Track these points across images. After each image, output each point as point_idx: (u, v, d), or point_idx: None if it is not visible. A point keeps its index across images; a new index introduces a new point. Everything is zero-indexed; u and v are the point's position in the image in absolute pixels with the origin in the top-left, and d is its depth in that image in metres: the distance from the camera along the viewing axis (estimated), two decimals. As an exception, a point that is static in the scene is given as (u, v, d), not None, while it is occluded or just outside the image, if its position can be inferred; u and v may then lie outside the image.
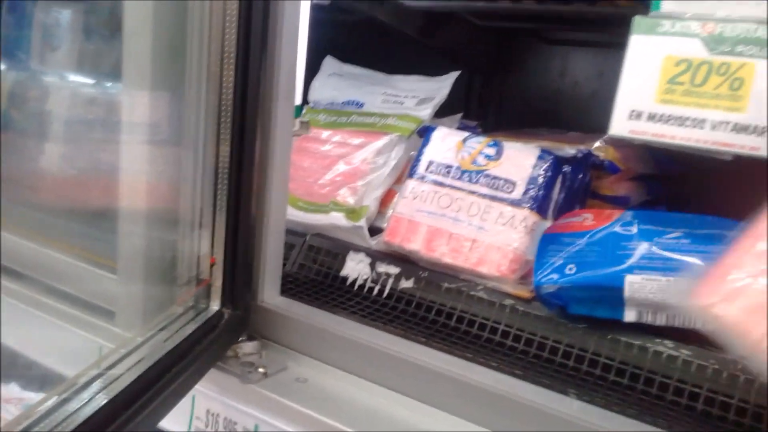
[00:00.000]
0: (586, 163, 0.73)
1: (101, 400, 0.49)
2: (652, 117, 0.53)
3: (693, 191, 0.85)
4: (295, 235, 0.85)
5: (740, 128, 0.50)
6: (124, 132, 0.65)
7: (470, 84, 1.16)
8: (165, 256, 0.68)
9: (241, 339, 0.68)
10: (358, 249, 0.79)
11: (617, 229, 0.61)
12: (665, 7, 0.53)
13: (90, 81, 0.74)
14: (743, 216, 0.45)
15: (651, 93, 0.53)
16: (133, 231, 0.66)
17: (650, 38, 0.53)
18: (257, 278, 0.70)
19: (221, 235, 0.67)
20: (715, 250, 0.45)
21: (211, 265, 0.69)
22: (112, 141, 0.66)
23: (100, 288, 0.72)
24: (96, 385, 0.51)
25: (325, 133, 0.93)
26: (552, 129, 0.94)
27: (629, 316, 0.59)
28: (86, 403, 0.49)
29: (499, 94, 1.16)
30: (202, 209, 0.68)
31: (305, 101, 1.00)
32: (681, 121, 0.52)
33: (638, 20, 0.53)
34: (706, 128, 0.51)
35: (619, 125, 0.54)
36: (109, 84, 0.71)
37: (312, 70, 1.03)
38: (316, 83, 1.01)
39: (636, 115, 0.54)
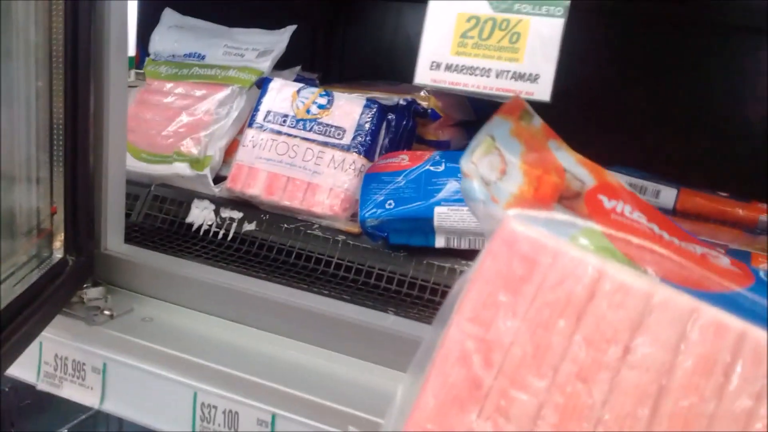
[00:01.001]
0: (409, 110, 0.81)
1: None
2: (449, 67, 0.61)
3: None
4: (140, 186, 0.87)
5: (518, 76, 0.59)
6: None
7: (314, 38, 1.21)
8: (4, 208, 0.69)
9: (86, 285, 0.71)
10: (202, 197, 0.83)
11: (428, 167, 0.69)
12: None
13: None
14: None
15: (447, 46, 0.61)
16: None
17: (446, -3, 0.60)
18: (100, 227, 0.72)
19: (60, 187, 0.69)
20: None
21: (52, 215, 0.70)
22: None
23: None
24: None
25: (168, 86, 0.95)
26: (388, 81, 1.01)
27: (439, 242, 0.68)
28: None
29: (341, 48, 1.22)
30: (39, 162, 0.69)
31: (146, 53, 1.01)
32: (472, 70, 0.60)
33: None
34: (492, 77, 0.60)
35: (423, 75, 0.62)
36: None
37: (153, 23, 1.03)
38: (156, 36, 1.01)
39: (436, 66, 0.61)
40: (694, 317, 0.33)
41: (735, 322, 0.33)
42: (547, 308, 0.35)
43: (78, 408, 1.04)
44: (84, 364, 0.69)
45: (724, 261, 0.41)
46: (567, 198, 0.42)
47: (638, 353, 0.33)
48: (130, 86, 0.86)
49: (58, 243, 0.71)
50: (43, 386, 0.71)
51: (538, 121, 0.47)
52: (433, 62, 0.61)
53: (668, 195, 0.80)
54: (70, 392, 0.69)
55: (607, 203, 0.42)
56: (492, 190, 0.40)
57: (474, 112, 0.93)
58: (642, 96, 1.03)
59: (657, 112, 1.03)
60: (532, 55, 0.59)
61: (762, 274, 0.39)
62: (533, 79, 0.59)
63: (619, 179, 0.44)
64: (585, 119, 1.03)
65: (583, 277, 0.35)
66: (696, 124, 0.99)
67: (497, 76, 0.60)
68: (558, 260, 0.36)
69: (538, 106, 0.62)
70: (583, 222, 0.38)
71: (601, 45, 1.02)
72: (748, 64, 1.00)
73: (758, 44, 0.99)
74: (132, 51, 0.72)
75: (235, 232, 0.80)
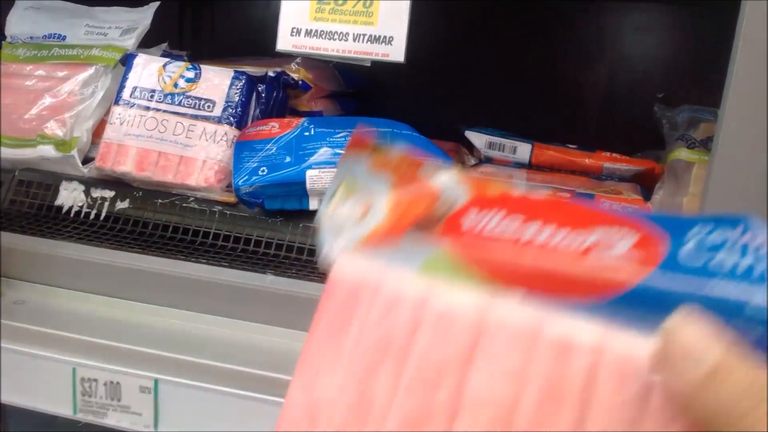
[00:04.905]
0: (278, 81, 0.83)
1: None
2: (308, 33, 0.64)
3: (377, 102, 0.99)
4: (4, 172, 0.84)
5: (374, 39, 0.62)
6: None
7: (182, 15, 1.19)
8: None
9: (-51, 275, 0.68)
10: (71, 178, 0.81)
11: (299, 133, 0.71)
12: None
13: None
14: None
15: (306, 12, 0.63)
16: None
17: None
18: (-40, 214, 0.70)
19: None
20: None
21: None
22: None
23: None
24: None
25: (27, 68, 0.91)
26: (258, 57, 1.02)
27: (313, 204, 0.70)
28: None
29: (210, 25, 1.21)
30: None
31: (2, 37, 0.97)
32: (330, 35, 0.63)
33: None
34: (350, 40, 0.63)
35: (284, 41, 0.64)
36: None
37: (8, 6, 0.99)
38: (11, 18, 0.97)
39: (296, 32, 0.64)
40: (536, 336, 0.28)
41: (588, 336, 0.27)
42: (370, 351, 0.31)
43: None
44: (-47, 354, 0.66)
45: (623, 245, 0.31)
46: (431, 224, 0.37)
47: (473, 389, 0.29)
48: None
49: None
50: None
51: (396, 151, 0.40)
52: (293, 28, 0.64)
53: (524, 150, 0.86)
54: (-60, 385, 0.67)
55: (472, 219, 0.35)
56: (350, 236, 0.36)
57: (344, 83, 0.96)
58: (494, 56, 1.09)
59: (509, 72, 1.09)
60: (385, 19, 0.62)
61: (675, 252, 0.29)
62: (388, 41, 0.62)
63: (506, 187, 0.37)
64: (443, 82, 1.09)
65: (404, 309, 0.31)
66: (547, 82, 1.06)
67: (354, 39, 0.63)
68: (379, 294, 0.31)
69: (394, 67, 0.66)
70: (434, 247, 0.34)
71: (452, 7, 1.06)
72: (591, 26, 1.09)
73: (599, 7, 1.08)
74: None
75: (108, 212, 0.79)
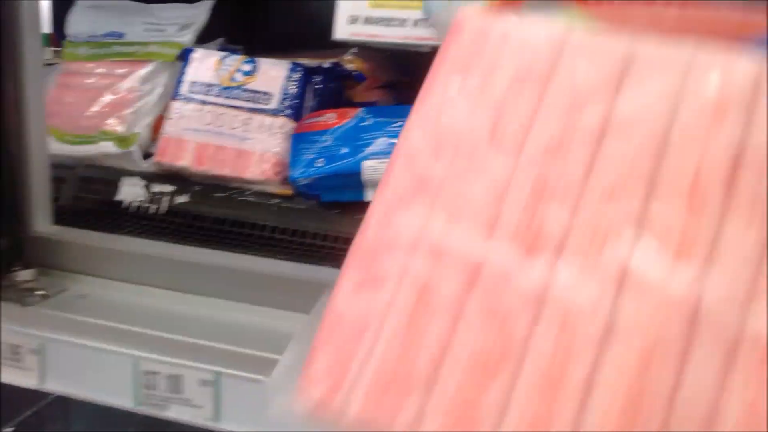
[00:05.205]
0: (334, 73, 0.82)
1: None
2: (367, 20, 0.62)
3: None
4: (66, 168, 0.85)
5: (433, 24, 0.60)
6: None
7: (237, 10, 1.20)
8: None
9: (16, 269, 0.69)
10: (131, 174, 0.82)
11: (356, 123, 0.70)
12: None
13: None
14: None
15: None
16: None
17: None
18: (27, 209, 0.71)
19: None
20: None
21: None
22: None
23: None
24: None
25: (88, 66, 0.93)
26: (311, 49, 1.01)
27: (369, 196, 0.69)
28: None
29: (263, 19, 1.21)
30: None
31: (63, 35, 0.99)
32: (389, 21, 0.61)
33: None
34: (408, 26, 0.61)
35: (341, 30, 0.63)
36: None
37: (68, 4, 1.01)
38: (72, 17, 0.99)
39: (354, 20, 0.62)
40: (690, 60, 0.27)
41: (746, 62, 0.26)
42: (506, 83, 0.30)
43: (20, 406, 1.02)
44: (20, 346, 0.67)
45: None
46: None
47: (622, 112, 0.27)
48: (48, 64, 0.84)
49: (-17, 228, 0.70)
50: (-21, 375, 0.69)
51: None
52: (350, 16, 0.62)
53: None
54: (9, 377, 0.68)
55: None
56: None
57: (400, 72, 0.94)
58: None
59: None
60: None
61: None
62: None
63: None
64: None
65: (542, 45, 0.29)
66: None
67: (414, 25, 0.61)
68: (511, 36, 0.30)
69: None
70: (563, 7, 0.33)
71: None
72: None
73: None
74: (45, 28, 0.70)
75: (167, 206, 0.79)
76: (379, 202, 0.32)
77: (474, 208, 0.29)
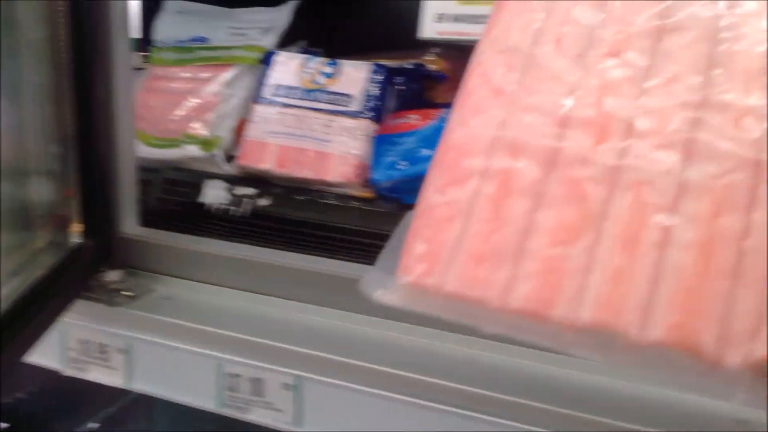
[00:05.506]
0: (416, 73, 0.80)
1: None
2: (455, 18, 0.60)
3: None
4: (151, 171, 0.87)
5: (524, 20, 0.58)
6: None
7: (317, 13, 1.20)
8: (21, 198, 0.69)
9: (104, 269, 0.71)
10: (215, 176, 0.83)
11: (437, 125, 0.68)
12: None
13: None
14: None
15: (452, -3, 0.60)
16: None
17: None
18: (115, 211, 0.73)
19: (74, 174, 0.69)
20: None
21: (68, 201, 0.70)
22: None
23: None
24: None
25: (174, 71, 0.94)
26: (391, 50, 1.00)
27: (455, 199, 0.67)
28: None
29: (345, 21, 1.21)
30: (51, 151, 0.69)
31: (150, 42, 1.01)
32: (476, 19, 0.59)
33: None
34: (497, 23, 0.59)
35: (428, 28, 0.61)
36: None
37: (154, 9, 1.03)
38: (159, 23, 1.01)
39: (440, 18, 0.60)
40: None
41: None
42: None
43: (103, 405, 1.05)
44: (107, 346, 0.69)
45: None
46: None
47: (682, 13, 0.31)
48: (136, 69, 0.86)
49: (75, 228, 0.71)
50: (68, 372, 0.71)
51: None
52: (437, 14, 0.60)
53: None
54: (96, 375, 0.70)
55: None
56: None
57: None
58: None
59: None
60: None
61: None
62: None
63: None
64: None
65: None
66: None
67: (502, 21, 0.58)
68: None
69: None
70: None
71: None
72: None
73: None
74: (134, 33, 0.71)
75: (249, 209, 0.79)
76: (458, 114, 0.37)
77: (547, 107, 0.33)
